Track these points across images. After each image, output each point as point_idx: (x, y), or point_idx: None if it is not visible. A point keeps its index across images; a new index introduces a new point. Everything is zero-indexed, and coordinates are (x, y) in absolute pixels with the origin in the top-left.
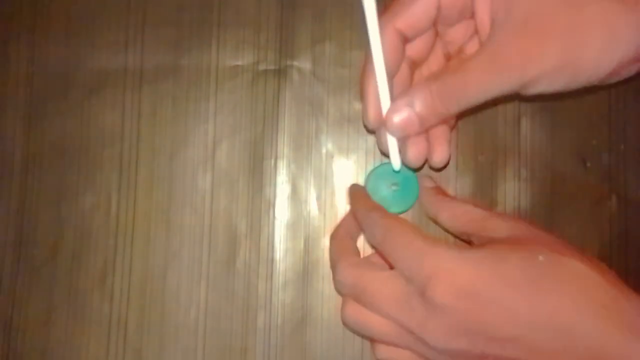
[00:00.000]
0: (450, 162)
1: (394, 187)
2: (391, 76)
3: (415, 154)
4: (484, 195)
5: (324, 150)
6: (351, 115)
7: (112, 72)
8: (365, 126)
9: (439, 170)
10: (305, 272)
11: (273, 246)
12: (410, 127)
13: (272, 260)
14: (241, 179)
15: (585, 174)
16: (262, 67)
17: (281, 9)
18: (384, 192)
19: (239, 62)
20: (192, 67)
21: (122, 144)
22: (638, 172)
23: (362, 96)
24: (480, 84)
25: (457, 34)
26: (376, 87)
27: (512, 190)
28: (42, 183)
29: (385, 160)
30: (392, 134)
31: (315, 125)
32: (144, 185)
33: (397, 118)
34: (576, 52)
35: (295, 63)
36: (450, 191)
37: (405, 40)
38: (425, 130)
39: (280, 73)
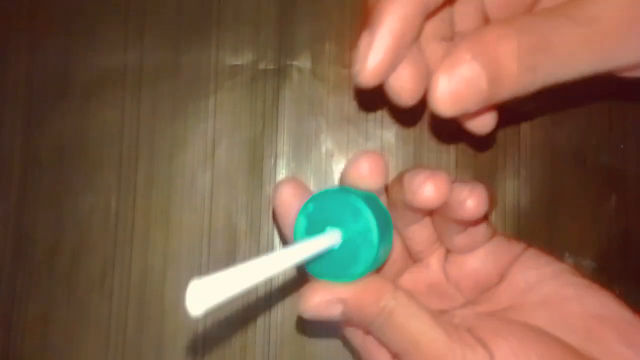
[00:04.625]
0: (451, 162)
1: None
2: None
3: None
4: None
5: (324, 150)
6: (351, 114)
7: (112, 72)
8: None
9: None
10: (305, 271)
11: (273, 245)
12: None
13: None
14: (241, 178)
15: (585, 174)
16: (262, 66)
17: (281, 8)
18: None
19: (239, 62)
20: (192, 66)
21: (122, 144)
22: (638, 172)
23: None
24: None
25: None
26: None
27: (512, 190)
28: (42, 183)
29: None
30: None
31: (315, 124)
32: (144, 185)
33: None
34: None
35: (295, 63)
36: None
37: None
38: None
39: (280, 73)
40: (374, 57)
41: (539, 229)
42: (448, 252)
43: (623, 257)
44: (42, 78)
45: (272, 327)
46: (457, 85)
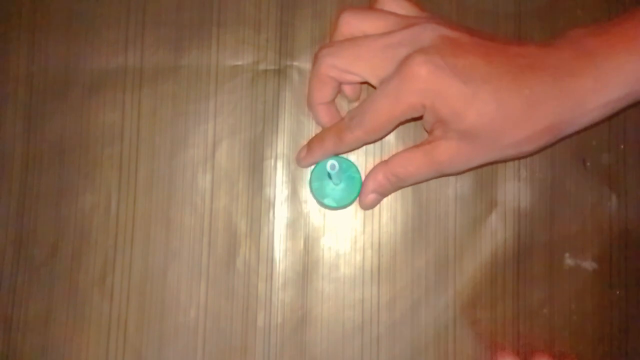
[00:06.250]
0: None
1: (337, 185)
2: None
3: None
4: (484, 195)
5: None
6: None
7: (112, 72)
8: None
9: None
10: (305, 272)
11: (273, 246)
12: (377, 203)
13: (272, 260)
14: (241, 179)
15: (585, 174)
16: (262, 67)
17: (281, 8)
18: (327, 189)
19: (239, 62)
20: (192, 67)
21: (122, 144)
22: (638, 172)
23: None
24: (423, 174)
25: None
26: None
27: (512, 190)
28: (42, 183)
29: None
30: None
31: (314, 125)
32: (144, 185)
33: (369, 202)
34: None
35: (295, 63)
36: (451, 192)
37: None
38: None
39: (280, 73)
40: (305, 163)
41: (539, 229)
42: None
43: (623, 257)
44: (42, 78)
45: (272, 328)
46: (370, 202)
